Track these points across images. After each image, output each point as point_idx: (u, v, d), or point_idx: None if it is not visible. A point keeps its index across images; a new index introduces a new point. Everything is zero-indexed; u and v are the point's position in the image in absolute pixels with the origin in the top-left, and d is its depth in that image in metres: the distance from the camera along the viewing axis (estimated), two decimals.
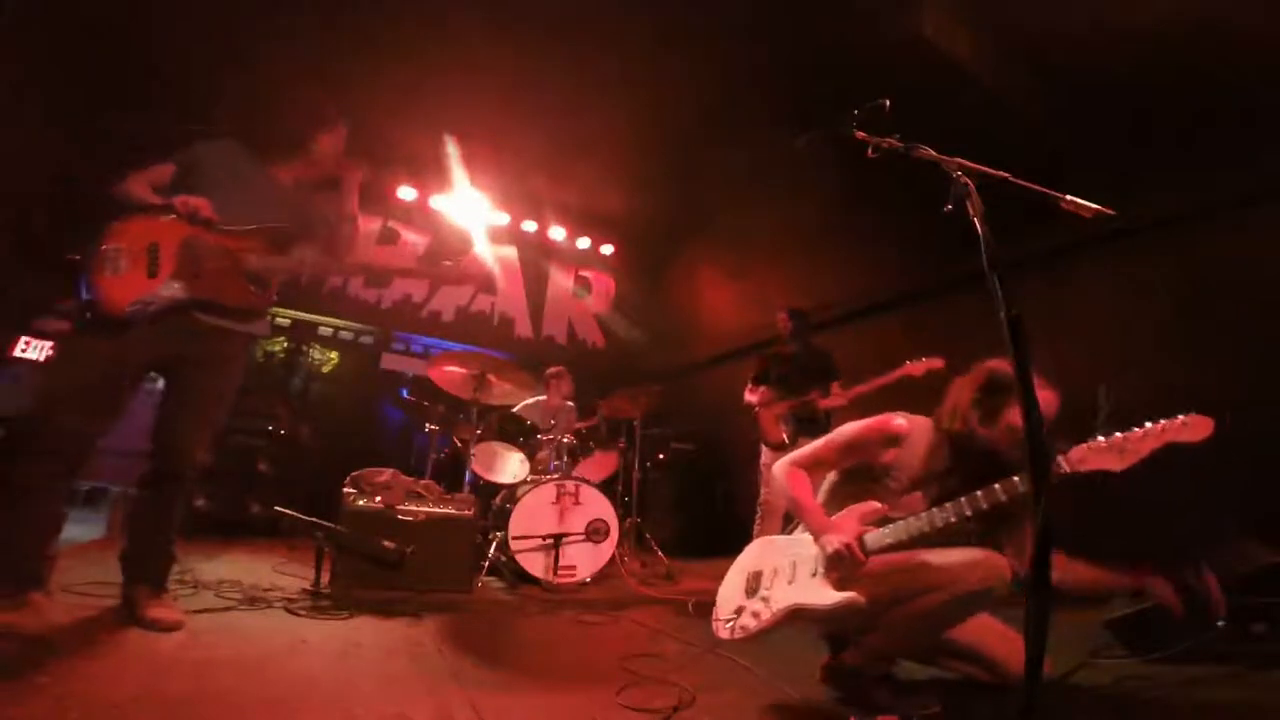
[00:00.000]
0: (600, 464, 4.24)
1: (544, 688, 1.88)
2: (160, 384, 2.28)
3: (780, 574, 1.85)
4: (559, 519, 3.38)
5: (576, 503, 3.45)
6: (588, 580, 3.40)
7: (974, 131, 2.46)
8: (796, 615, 1.73)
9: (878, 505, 1.73)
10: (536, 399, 4.35)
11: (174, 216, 2.09)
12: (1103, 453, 1.67)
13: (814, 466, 1.92)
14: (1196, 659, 1.91)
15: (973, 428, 1.79)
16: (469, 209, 6.21)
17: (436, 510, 3.13)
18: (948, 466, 1.81)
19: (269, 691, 1.59)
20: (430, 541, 2.97)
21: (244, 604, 2.40)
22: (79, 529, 4.51)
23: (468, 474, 3.67)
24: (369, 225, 6.24)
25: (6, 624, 1.80)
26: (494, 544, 3.44)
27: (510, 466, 4.03)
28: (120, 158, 2.35)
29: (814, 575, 1.76)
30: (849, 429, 1.92)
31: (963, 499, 1.60)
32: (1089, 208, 1.41)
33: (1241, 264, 3.15)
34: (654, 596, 3.32)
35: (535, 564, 3.29)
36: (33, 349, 3.85)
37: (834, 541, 1.68)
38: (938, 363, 3.57)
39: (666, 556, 3.98)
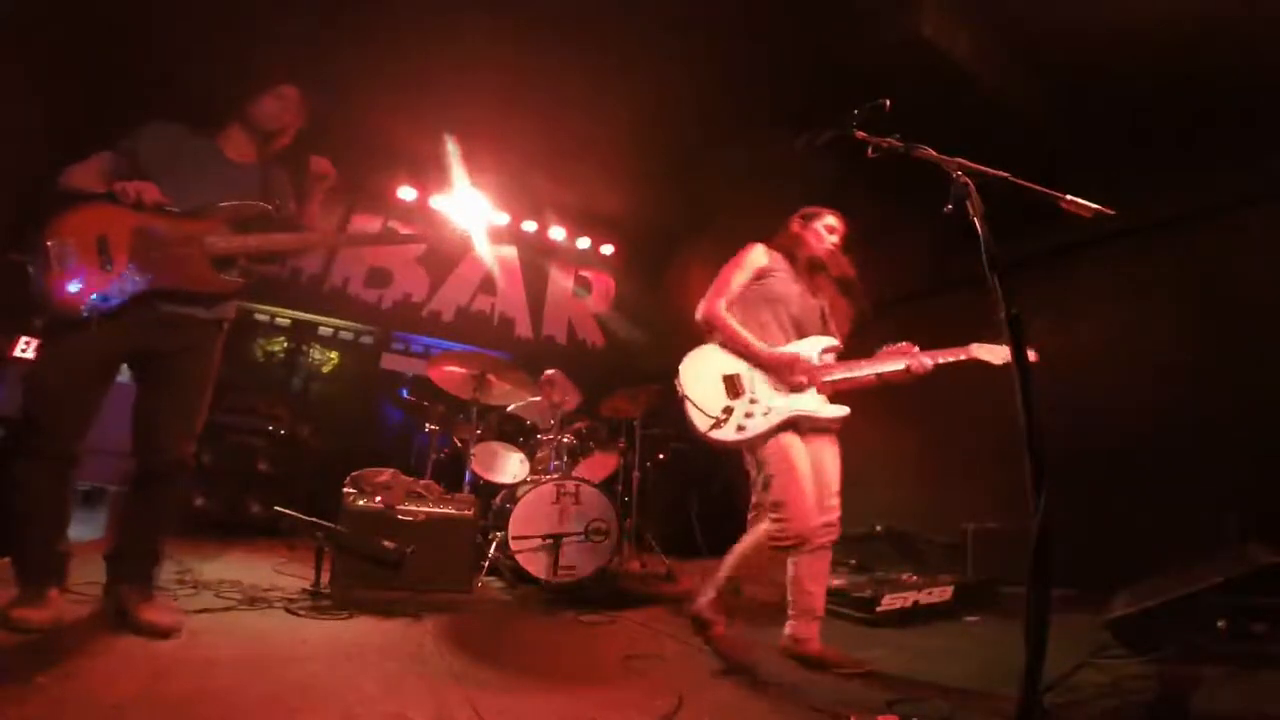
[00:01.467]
0: (600, 464, 4.23)
1: (544, 688, 1.88)
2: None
3: (758, 380, 2.14)
4: (559, 519, 3.38)
5: (576, 503, 3.45)
6: (587, 580, 3.40)
7: (974, 131, 2.46)
8: (797, 420, 2.10)
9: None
10: (531, 400, 4.35)
11: (117, 204, 1.98)
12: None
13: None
14: (1196, 659, 1.91)
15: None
16: (469, 209, 6.21)
17: (436, 510, 3.12)
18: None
19: (269, 691, 1.59)
20: (430, 541, 2.97)
21: (244, 604, 2.40)
22: (78, 529, 4.50)
23: (468, 474, 3.67)
24: (369, 225, 6.25)
25: (22, 618, 1.81)
26: (494, 544, 3.43)
27: (510, 466, 4.03)
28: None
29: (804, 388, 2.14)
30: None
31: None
32: (1089, 207, 1.41)
33: (1241, 264, 3.15)
34: (654, 596, 3.32)
35: (535, 564, 3.29)
36: (33, 349, 3.85)
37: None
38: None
39: (666, 556, 3.98)
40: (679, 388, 2.18)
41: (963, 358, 2.23)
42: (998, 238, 1.37)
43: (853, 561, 4.39)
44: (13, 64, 3.78)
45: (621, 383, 4.42)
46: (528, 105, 4.73)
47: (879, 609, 2.77)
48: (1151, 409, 3.28)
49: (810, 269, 2.35)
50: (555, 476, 3.56)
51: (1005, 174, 1.49)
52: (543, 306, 6.97)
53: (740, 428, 2.06)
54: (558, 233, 6.78)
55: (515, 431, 4.17)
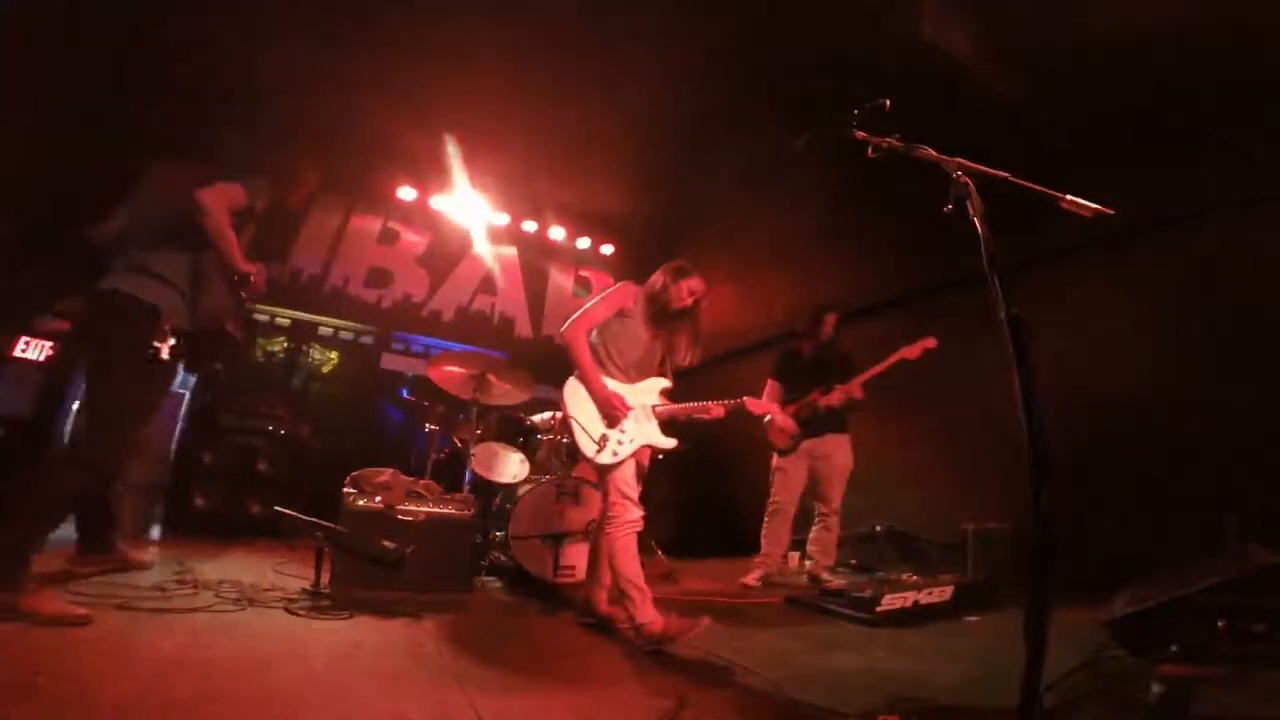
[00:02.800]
0: None
1: (544, 688, 1.88)
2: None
3: (631, 415, 2.57)
4: (559, 519, 3.38)
5: (576, 503, 3.45)
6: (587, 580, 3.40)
7: (974, 131, 2.46)
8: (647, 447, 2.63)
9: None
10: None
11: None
12: None
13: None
14: (1196, 659, 1.91)
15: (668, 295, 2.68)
16: (469, 209, 6.21)
17: (436, 510, 3.12)
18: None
19: (269, 692, 1.59)
20: (430, 541, 2.97)
21: (244, 604, 2.40)
22: (76, 528, 4.51)
23: (468, 474, 3.67)
24: (369, 225, 6.25)
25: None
26: (494, 544, 3.43)
27: (510, 466, 4.03)
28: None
29: (649, 421, 2.64)
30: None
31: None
32: (1089, 207, 1.41)
33: (1241, 264, 3.15)
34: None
35: (535, 564, 3.29)
36: (33, 349, 3.85)
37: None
38: (930, 342, 3.61)
39: (666, 557, 3.98)
40: (565, 412, 2.58)
41: (732, 407, 2.77)
42: (997, 238, 1.37)
43: (853, 561, 4.39)
44: (14, 64, 3.78)
45: None
46: (528, 105, 4.73)
47: (879, 609, 2.77)
48: (1151, 409, 3.28)
49: (664, 318, 2.70)
50: (555, 476, 3.56)
51: (1005, 174, 1.49)
52: (543, 306, 6.97)
53: (614, 454, 2.48)
54: (558, 233, 6.78)
55: (515, 431, 4.17)
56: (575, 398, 2.58)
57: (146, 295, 2.36)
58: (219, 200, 2.43)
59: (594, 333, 2.68)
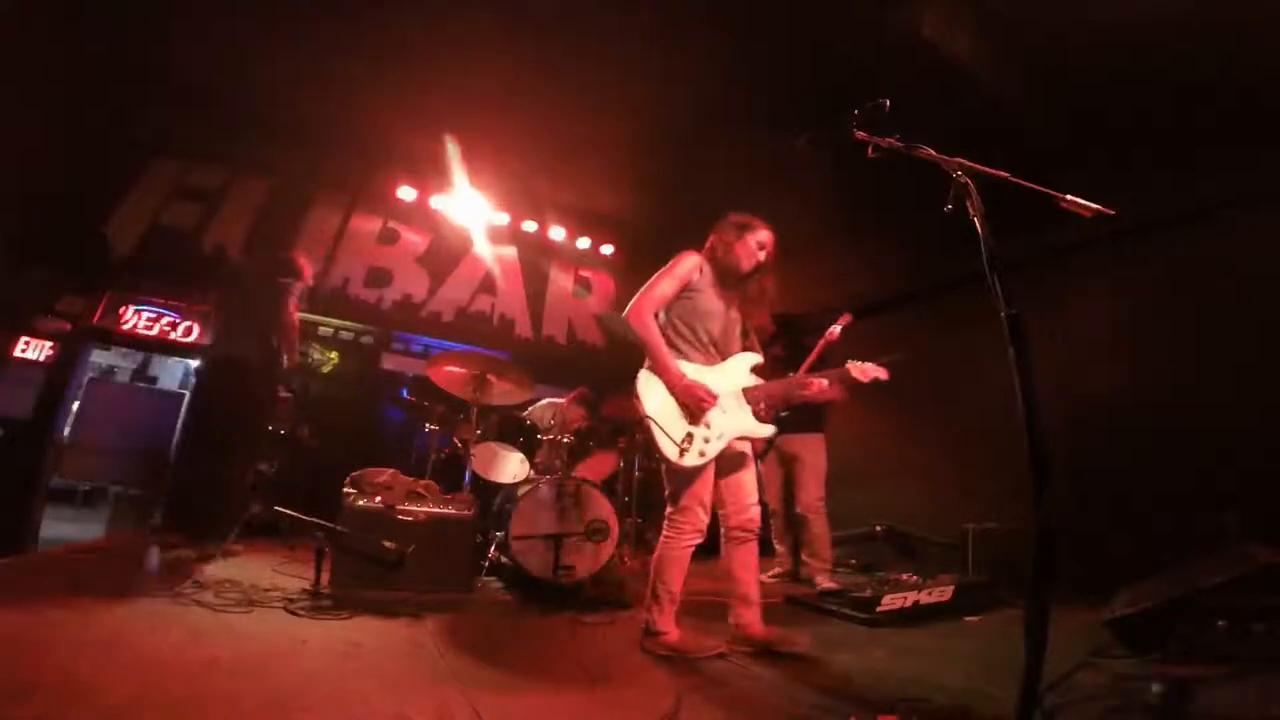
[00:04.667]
0: (600, 464, 4.23)
1: (544, 688, 1.88)
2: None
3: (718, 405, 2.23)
4: (559, 519, 3.38)
5: (576, 503, 3.44)
6: (587, 580, 3.40)
7: (974, 131, 2.46)
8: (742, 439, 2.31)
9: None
10: (551, 401, 4.39)
11: None
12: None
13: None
14: (1196, 659, 1.91)
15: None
16: (469, 209, 6.21)
17: (436, 510, 3.12)
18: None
19: (269, 692, 1.59)
20: (430, 541, 2.96)
21: (244, 604, 2.40)
22: (78, 528, 4.52)
23: (468, 474, 3.67)
24: (369, 225, 6.25)
25: None
26: (494, 544, 3.43)
27: (510, 466, 4.03)
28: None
29: (741, 407, 2.29)
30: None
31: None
32: (1089, 207, 1.41)
33: (1241, 264, 3.15)
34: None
35: (535, 564, 3.28)
36: (33, 349, 3.85)
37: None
38: (846, 317, 3.62)
39: None
40: (640, 409, 2.22)
41: (840, 378, 2.38)
42: (997, 237, 1.37)
43: (853, 561, 4.39)
44: (14, 64, 3.78)
45: (621, 383, 4.42)
46: (528, 106, 4.73)
47: (879, 609, 2.77)
48: (1151, 409, 3.28)
49: (736, 282, 2.40)
50: (555, 476, 3.56)
51: (1005, 174, 1.49)
52: (543, 306, 6.96)
53: (702, 453, 2.18)
54: (558, 233, 6.78)
55: (515, 431, 4.17)
56: (650, 392, 2.22)
57: None
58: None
59: (661, 313, 2.35)
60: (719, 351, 2.36)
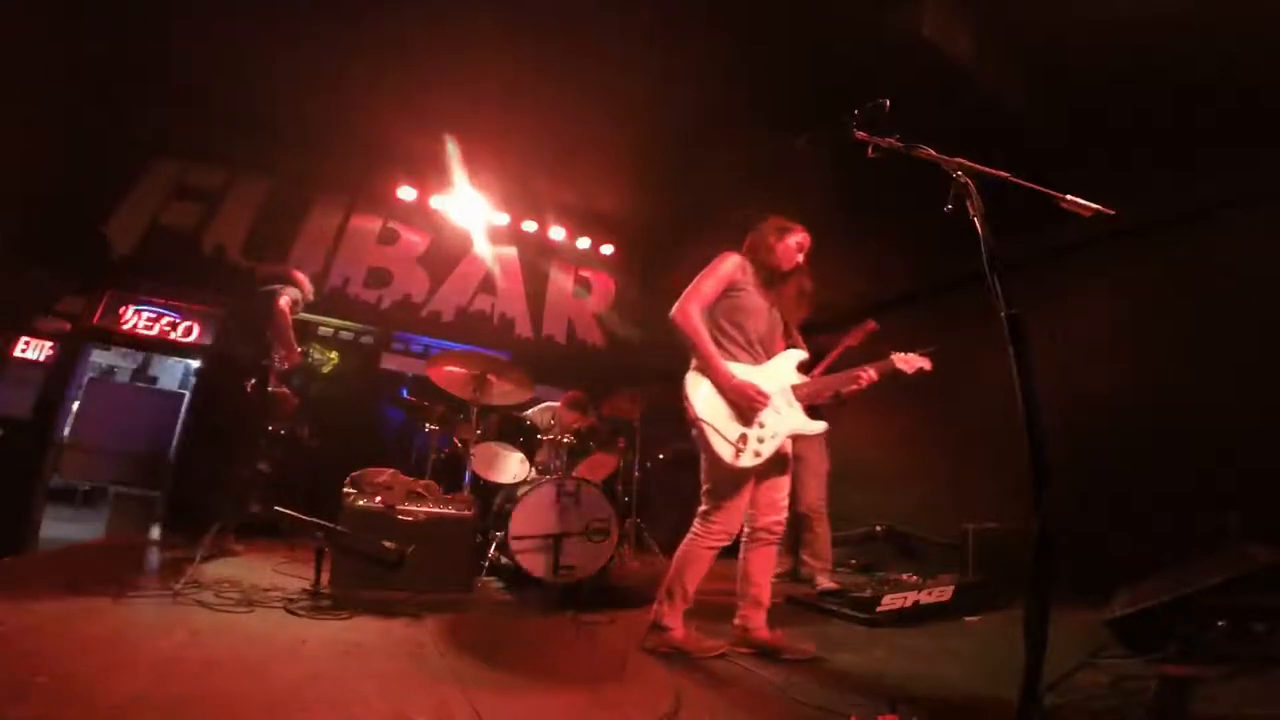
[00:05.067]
0: (600, 464, 4.23)
1: (544, 688, 1.88)
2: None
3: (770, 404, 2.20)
4: (559, 519, 3.38)
5: (576, 503, 3.44)
6: (587, 580, 3.40)
7: (974, 131, 2.46)
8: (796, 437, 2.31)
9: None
10: (548, 405, 4.38)
11: None
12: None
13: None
14: (1196, 659, 1.91)
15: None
16: (469, 209, 6.21)
17: (436, 510, 3.12)
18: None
19: (269, 692, 1.59)
20: (430, 541, 2.96)
21: (244, 604, 2.40)
22: (78, 529, 4.52)
23: (468, 474, 3.67)
24: (369, 225, 6.25)
25: None
26: (494, 544, 3.43)
27: (510, 466, 4.03)
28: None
29: (790, 405, 2.27)
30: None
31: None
32: (1089, 207, 1.41)
33: (1241, 264, 3.15)
34: (654, 596, 3.31)
35: (535, 564, 3.28)
36: (32, 349, 3.85)
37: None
38: (871, 325, 3.62)
39: (666, 557, 3.97)
40: (692, 412, 2.17)
41: (883, 369, 2.37)
42: (997, 237, 1.37)
43: (853, 561, 4.39)
44: (14, 64, 3.78)
45: (621, 383, 4.42)
46: (528, 105, 4.73)
47: (879, 609, 2.77)
48: (1151, 409, 3.28)
49: (777, 281, 2.41)
50: (555, 476, 3.56)
51: (1005, 174, 1.49)
52: (543, 306, 6.96)
53: (757, 454, 2.14)
54: (558, 233, 6.77)
55: (515, 431, 4.17)
56: (699, 393, 2.18)
57: None
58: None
59: (705, 314, 2.33)
60: (764, 350, 2.35)
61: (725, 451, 2.11)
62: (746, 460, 2.12)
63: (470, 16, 3.91)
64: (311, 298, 4.11)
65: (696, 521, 2.26)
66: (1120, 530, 3.08)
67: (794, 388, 2.29)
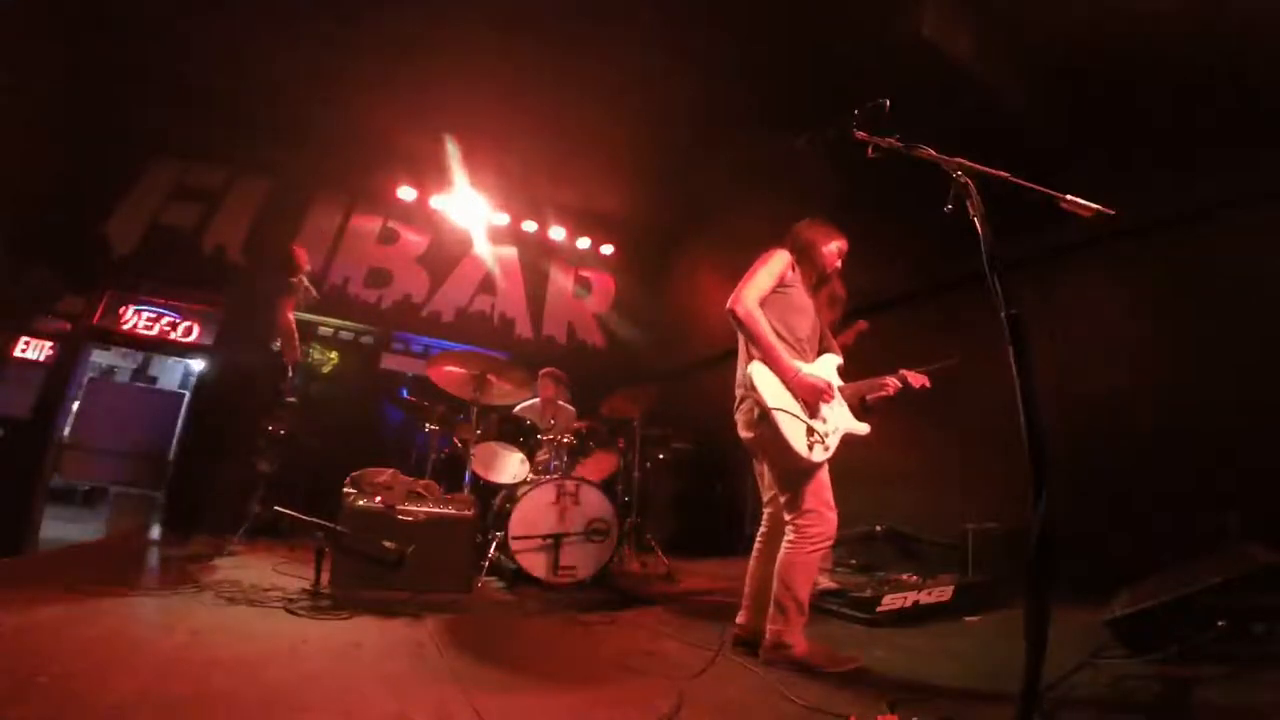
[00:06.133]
0: (600, 464, 4.23)
1: (543, 688, 1.88)
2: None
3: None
4: (559, 519, 3.38)
5: (576, 503, 3.45)
6: (587, 580, 3.40)
7: (974, 131, 2.46)
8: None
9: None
10: (531, 400, 4.38)
11: None
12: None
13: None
14: (1196, 659, 1.91)
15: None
16: (469, 209, 6.21)
17: (436, 510, 3.12)
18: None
19: (269, 692, 1.59)
20: (430, 541, 2.96)
21: (244, 604, 2.40)
22: (78, 529, 4.52)
23: (468, 474, 3.67)
24: (369, 225, 6.26)
25: None
26: (494, 544, 3.44)
27: (510, 466, 4.03)
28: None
29: (842, 405, 2.27)
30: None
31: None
32: (1089, 207, 1.41)
33: (1241, 264, 3.15)
34: (654, 596, 3.32)
35: (535, 564, 3.29)
36: (33, 349, 3.85)
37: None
38: (862, 325, 3.63)
39: (666, 556, 3.98)
40: (762, 403, 2.09)
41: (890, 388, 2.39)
42: (997, 237, 1.37)
43: (853, 561, 4.38)
44: (14, 64, 3.78)
45: (621, 383, 4.42)
46: (528, 105, 4.74)
47: (879, 609, 2.77)
48: (1151, 409, 3.28)
49: (819, 284, 2.43)
50: (555, 476, 3.56)
51: (1005, 174, 1.49)
52: (543, 306, 6.97)
53: (826, 447, 2.13)
54: (558, 233, 6.78)
55: (515, 431, 4.17)
56: (769, 384, 2.11)
57: None
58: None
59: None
60: (809, 350, 2.32)
61: (801, 444, 2.06)
62: (819, 454, 2.10)
63: (470, 17, 3.91)
64: (308, 267, 4.10)
65: (789, 530, 2.16)
66: (1120, 530, 3.07)
67: (839, 388, 2.29)
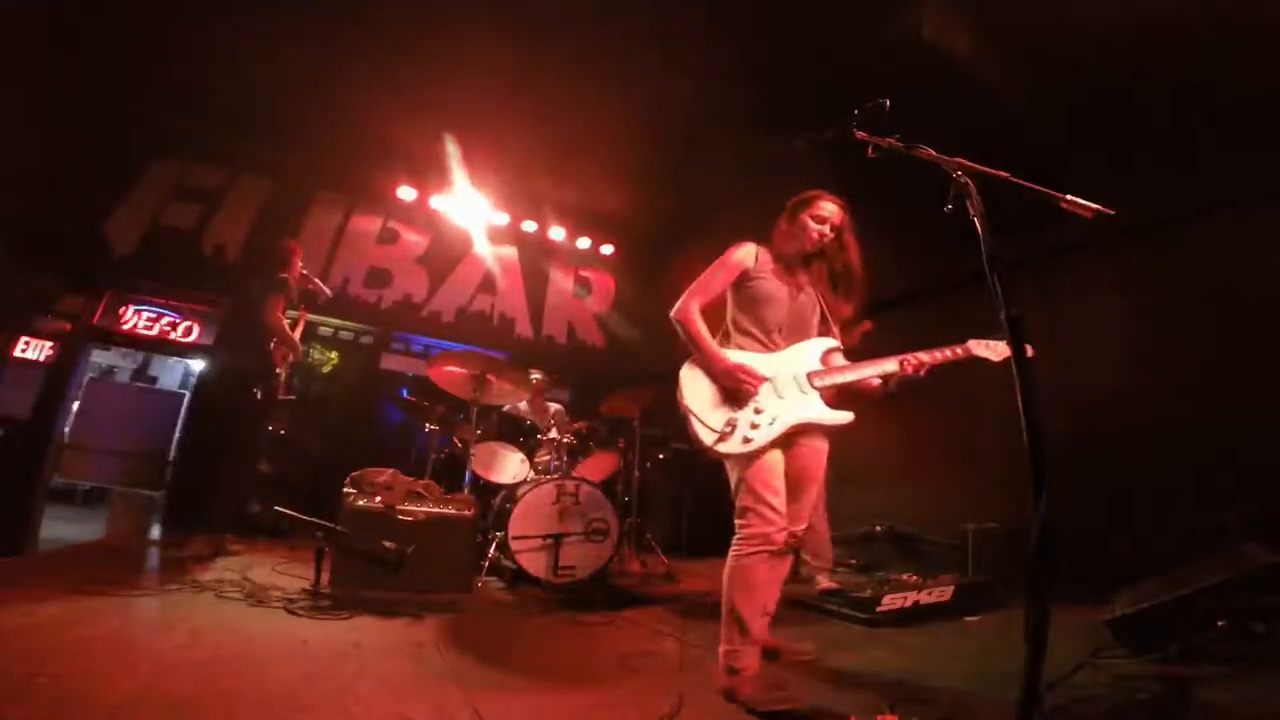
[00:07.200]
0: (600, 464, 4.23)
1: (544, 688, 1.88)
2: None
3: (764, 389, 2.05)
4: (559, 519, 3.38)
5: (576, 503, 3.44)
6: (587, 580, 3.40)
7: (974, 131, 2.46)
8: (802, 429, 2.05)
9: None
10: (520, 402, 4.42)
11: None
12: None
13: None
14: (1196, 659, 1.91)
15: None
16: (469, 209, 6.21)
17: (436, 510, 3.12)
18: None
19: (269, 691, 1.59)
20: (430, 541, 2.96)
21: (244, 604, 2.40)
22: (78, 529, 4.51)
23: (468, 474, 3.67)
24: (369, 225, 6.26)
25: None
26: (494, 544, 3.44)
27: (510, 466, 4.03)
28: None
29: (804, 393, 2.08)
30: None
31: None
32: (1089, 207, 1.41)
33: (1241, 264, 3.15)
34: (654, 596, 3.32)
35: (535, 564, 3.29)
36: (33, 349, 3.85)
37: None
38: (866, 325, 3.62)
39: (666, 557, 3.98)
40: (680, 400, 2.07)
41: (960, 355, 2.17)
42: (997, 237, 1.37)
43: (853, 561, 4.38)
44: (14, 64, 3.78)
45: (621, 383, 4.42)
46: (528, 105, 4.73)
47: (879, 609, 2.77)
48: (1151, 409, 3.28)
49: (801, 265, 2.25)
50: (555, 476, 3.56)
51: (1005, 174, 1.49)
52: (543, 306, 6.96)
53: (747, 439, 1.97)
54: (558, 233, 6.78)
55: (515, 431, 4.17)
56: (690, 383, 2.08)
57: None
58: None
59: (729, 308, 2.25)
60: (784, 338, 2.19)
61: (707, 437, 1.98)
62: (732, 446, 1.96)
63: (470, 16, 3.91)
64: (302, 264, 4.06)
65: (735, 534, 2.02)
66: (1120, 530, 3.07)
67: (811, 374, 2.10)
